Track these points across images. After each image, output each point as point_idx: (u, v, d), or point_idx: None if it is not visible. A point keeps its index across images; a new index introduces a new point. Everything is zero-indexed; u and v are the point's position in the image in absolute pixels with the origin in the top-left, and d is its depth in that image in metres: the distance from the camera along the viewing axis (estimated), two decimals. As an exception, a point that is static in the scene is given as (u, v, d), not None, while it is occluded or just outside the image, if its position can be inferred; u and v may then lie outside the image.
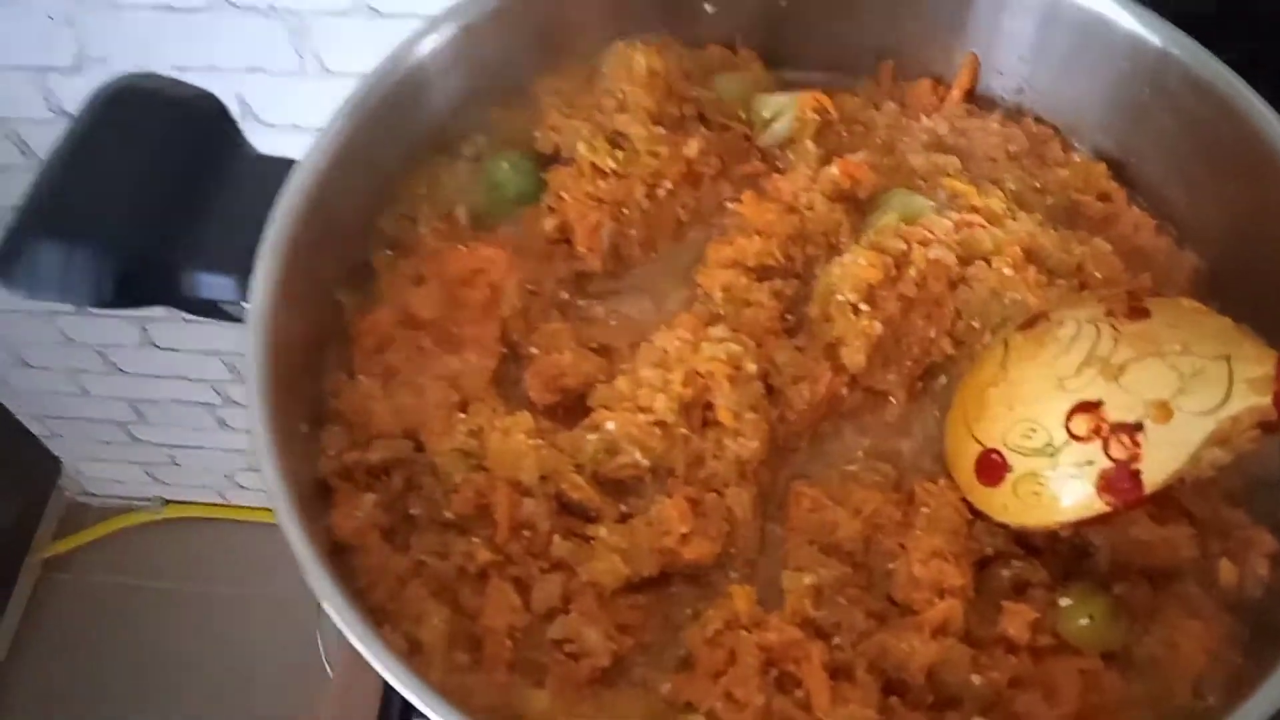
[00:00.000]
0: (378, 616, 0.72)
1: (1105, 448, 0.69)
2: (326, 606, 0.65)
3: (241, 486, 2.57)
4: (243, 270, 0.76)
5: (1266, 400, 0.67)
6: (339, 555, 0.76)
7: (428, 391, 0.80)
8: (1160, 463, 0.68)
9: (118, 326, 2.11)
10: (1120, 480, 0.69)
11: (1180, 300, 0.76)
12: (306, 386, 0.81)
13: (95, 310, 1.32)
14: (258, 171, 0.82)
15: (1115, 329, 0.73)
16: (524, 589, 0.75)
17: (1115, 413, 0.69)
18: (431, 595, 0.74)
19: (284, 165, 0.81)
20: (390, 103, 0.86)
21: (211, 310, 0.80)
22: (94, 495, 2.71)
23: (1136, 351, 0.71)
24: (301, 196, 0.79)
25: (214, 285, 0.78)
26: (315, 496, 0.77)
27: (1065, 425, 0.71)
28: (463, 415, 0.78)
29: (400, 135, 0.89)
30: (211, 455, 2.47)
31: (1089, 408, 0.70)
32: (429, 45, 0.86)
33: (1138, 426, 0.69)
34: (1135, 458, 0.68)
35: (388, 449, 0.78)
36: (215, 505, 2.62)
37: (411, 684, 0.63)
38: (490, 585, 0.74)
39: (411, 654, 0.71)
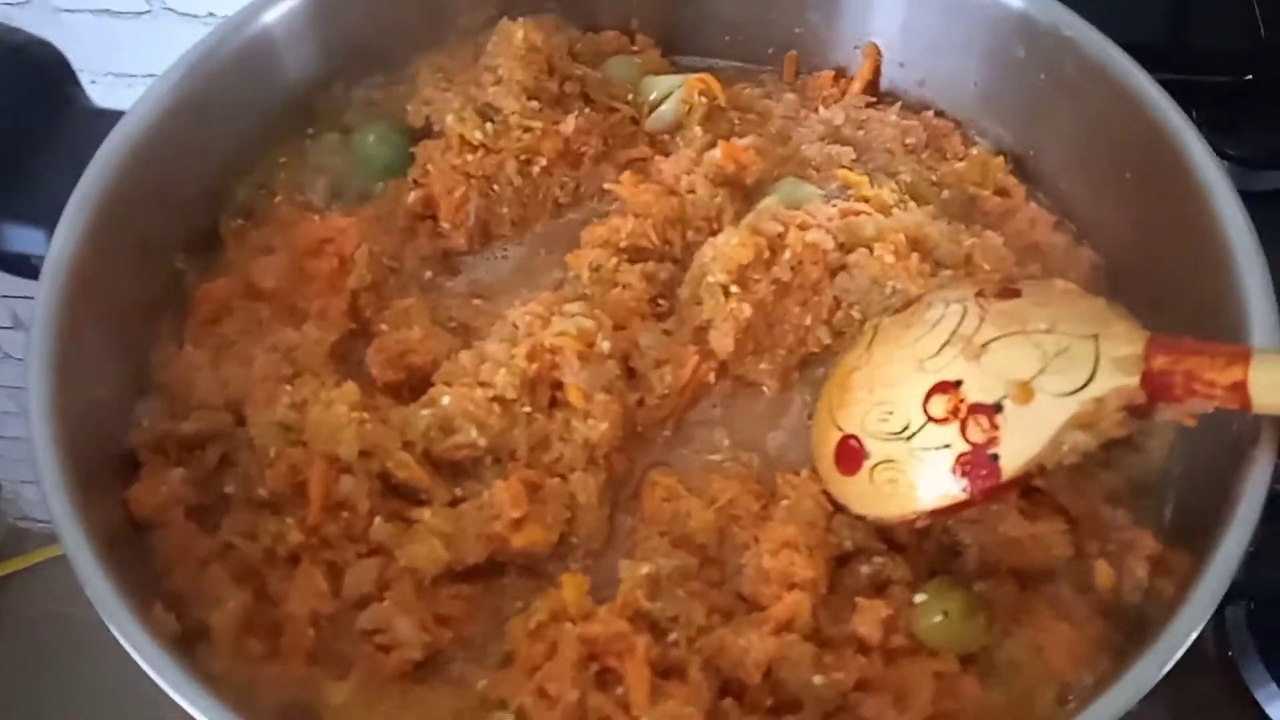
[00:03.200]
0: (172, 601, 0.66)
1: (963, 430, 0.64)
2: (83, 584, 0.59)
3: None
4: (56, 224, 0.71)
5: (1134, 381, 0.61)
6: (140, 533, 0.69)
7: (257, 363, 0.75)
8: (1019, 447, 0.63)
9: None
10: (978, 465, 0.63)
11: (1054, 281, 0.71)
12: (129, 355, 0.75)
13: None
14: (91, 124, 0.77)
15: (982, 309, 0.68)
16: (337, 574, 0.68)
17: (974, 393, 0.64)
18: (234, 579, 0.68)
19: (119, 119, 0.76)
20: (241, 62, 0.82)
21: (24, 267, 0.74)
22: (33, 520, 2.63)
23: (1000, 330, 0.66)
24: (127, 148, 0.74)
25: (23, 237, 0.72)
26: (119, 470, 0.71)
27: (923, 407, 0.66)
28: (289, 388, 0.73)
29: (256, 99, 0.84)
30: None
31: (948, 388, 0.65)
32: (277, 10, 0.82)
33: (997, 408, 0.63)
34: (993, 441, 0.63)
35: (203, 420, 0.72)
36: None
37: (168, 674, 0.57)
38: (299, 569, 0.68)
39: (197, 641, 0.64)
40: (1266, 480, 0.61)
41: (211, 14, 1.44)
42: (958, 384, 0.65)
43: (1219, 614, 0.84)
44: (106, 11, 1.53)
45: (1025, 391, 0.63)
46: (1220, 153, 0.97)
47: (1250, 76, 1.07)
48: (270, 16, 0.83)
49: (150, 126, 0.76)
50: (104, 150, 0.72)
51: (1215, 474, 0.66)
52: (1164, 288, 0.79)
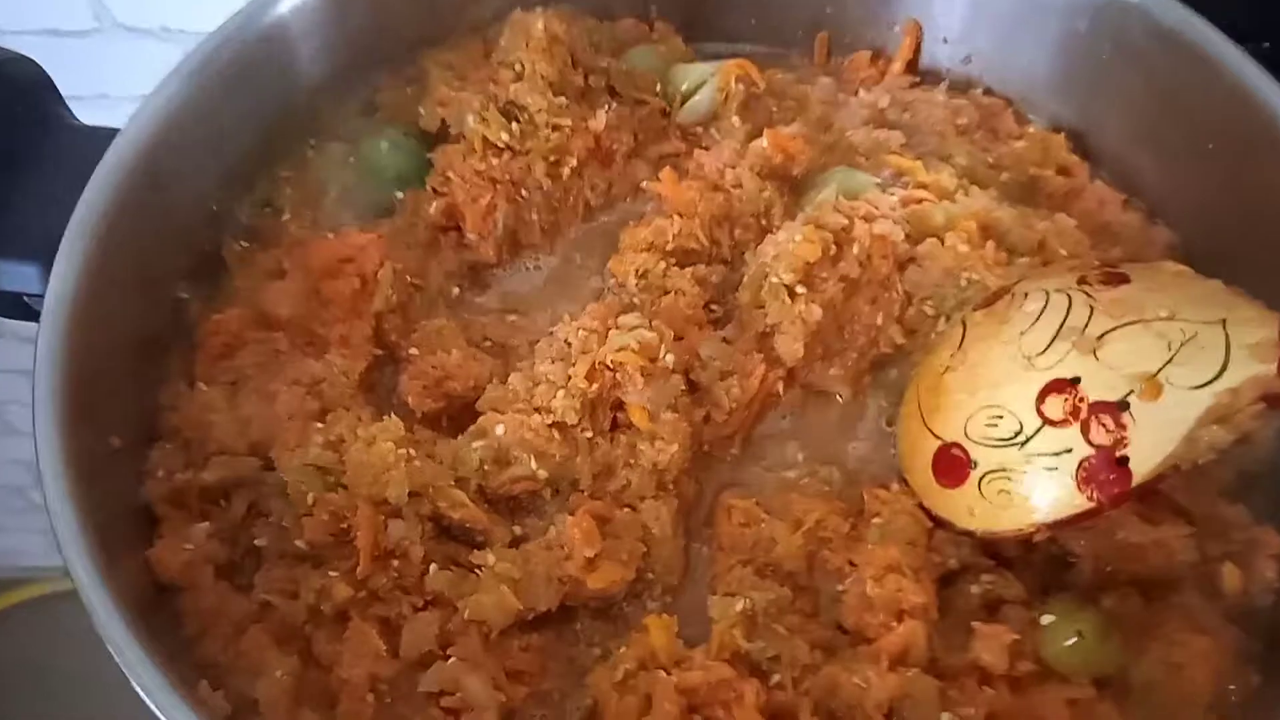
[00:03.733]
0: (208, 672, 0.58)
1: (1085, 432, 0.58)
2: (120, 662, 0.51)
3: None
4: (52, 257, 0.63)
5: (1271, 369, 0.56)
6: (165, 597, 0.62)
7: (280, 400, 0.67)
8: (1151, 447, 0.57)
9: (13, 381, 1.95)
10: (1104, 469, 0.57)
11: (1162, 264, 0.66)
12: (136, 396, 0.68)
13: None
14: (79, 145, 0.69)
15: (1090, 297, 0.62)
16: (392, 631, 0.61)
17: (1095, 391, 0.58)
18: (276, 643, 0.60)
19: (111, 138, 0.68)
20: (237, 71, 0.74)
21: (16, 308, 0.66)
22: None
23: (1116, 320, 0.60)
24: (124, 172, 0.66)
25: (14, 275, 0.64)
26: (136, 526, 0.63)
27: (1037, 409, 0.60)
28: (320, 425, 0.65)
29: (257, 109, 0.77)
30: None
31: (1064, 387, 0.59)
32: (273, 16, 0.74)
33: (1123, 405, 0.57)
34: (1121, 442, 0.57)
35: (227, 467, 0.65)
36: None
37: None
38: (350, 628, 0.60)
39: (244, 715, 0.56)
40: None
41: (165, 28, 1.35)
42: (1075, 381, 0.59)
43: None
44: (53, 31, 1.44)
45: (1153, 386, 0.57)
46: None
47: None
48: (265, 22, 0.75)
49: (146, 146, 0.68)
50: (99, 173, 0.65)
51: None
52: (1252, 268, 0.73)
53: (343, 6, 0.79)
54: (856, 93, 0.89)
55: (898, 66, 0.90)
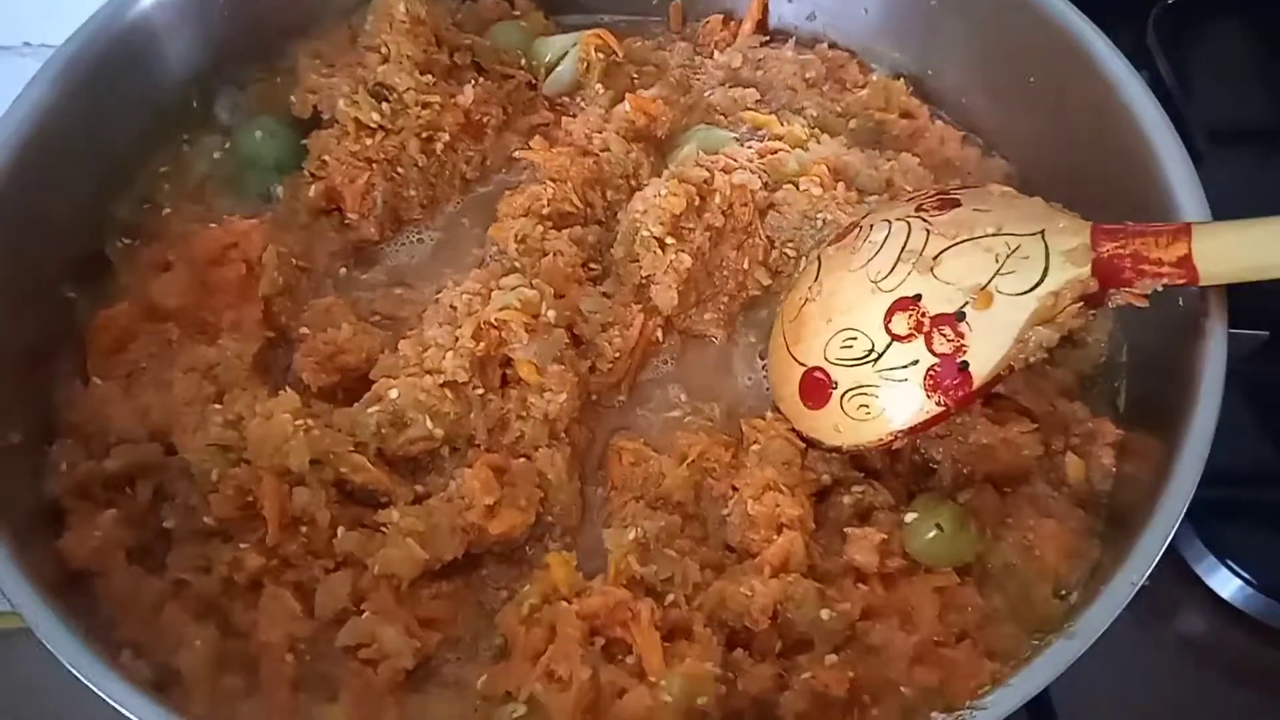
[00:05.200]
0: (130, 651, 0.60)
1: (929, 343, 0.64)
2: (51, 646, 0.53)
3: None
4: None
5: (1086, 271, 0.62)
6: (79, 584, 0.63)
7: (177, 386, 0.69)
8: (987, 350, 0.63)
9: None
10: (948, 375, 0.63)
11: (990, 185, 0.72)
12: (28, 398, 0.69)
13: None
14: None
15: (926, 222, 0.68)
16: (306, 594, 0.64)
17: (935, 305, 0.64)
18: (194, 617, 0.62)
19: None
20: (105, 69, 0.75)
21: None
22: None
23: (949, 240, 0.66)
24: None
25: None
26: (43, 522, 0.64)
27: (885, 327, 0.65)
28: (218, 406, 0.67)
29: (126, 107, 0.78)
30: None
31: (907, 304, 0.65)
32: (135, 14, 0.76)
33: (960, 316, 0.63)
34: (961, 349, 0.63)
35: (129, 455, 0.66)
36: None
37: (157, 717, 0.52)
38: (264, 594, 0.63)
39: (169, 686, 0.58)
40: (1224, 352, 0.62)
41: (27, 43, 1.32)
42: (916, 299, 0.65)
43: None
44: (-90, 52, 1.39)
45: (985, 296, 0.63)
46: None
47: None
48: (128, 20, 0.77)
49: (15, 151, 0.69)
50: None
51: (1163, 354, 0.68)
52: (1078, 186, 0.80)
53: (204, 3, 0.80)
54: (712, 55, 0.94)
55: (748, 27, 0.95)
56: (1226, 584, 0.84)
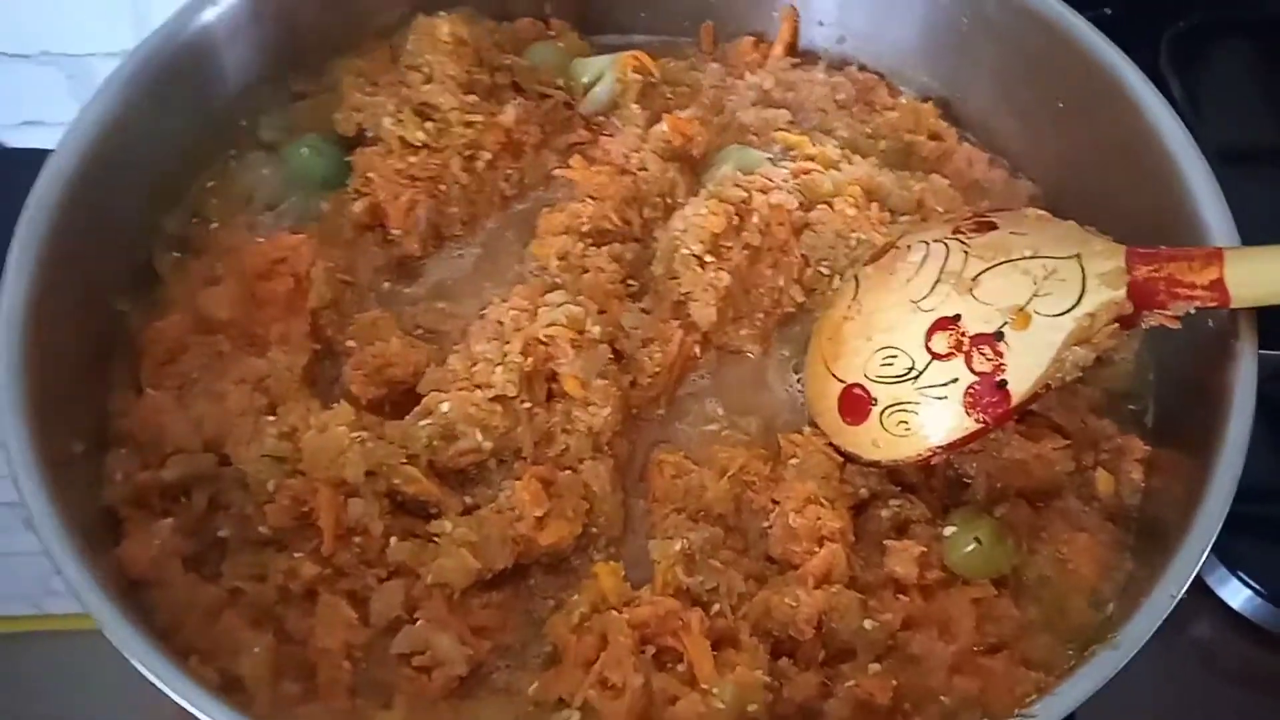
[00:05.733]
0: (196, 657, 0.62)
1: (968, 362, 0.66)
2: (127, 653, 0.54)
3: (57, 593, 2.32)
4: (-5, 277, 0.65)
5: (1121, 293, 0.64)
6: (136, 593, 0.65)
7: (230, 398, 0.71)
8: (1025, 369, 0.65)
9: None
10: (986, 393, 0.65)
11: (1025, 210, 0.74)
12: (85, 408, 0.70)
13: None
14: (10, 169, 0.71)
15: (964, 244, 0.70)
16: (360, 602, 0.65)
17: (974, 325, 0.66)
18: (250, 625, 0.64)
19: (39, 158, 0.71)
20: (168, 80, 0.77)
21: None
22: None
23: (987, 262, 0.68)
24: (60, 187, 0.69)
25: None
26: (100, 530, 0.66)
27: (925, 345, 0.67)
28: (271, 418, 0.69)
29: (179, 122, 0.80)
30: (19, 560, 2.22)
31: (947, 324, 0.67)
32: (187, 35, 0.78)
33: (998, 335, 0.65)
34: (1000, 368, 0.65)
35: (185, 465, 0.68)
36: (29, 617, 2.36)
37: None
38: (319, 603, 0.64)
39: (229, 691, 0.60)
40: (1254, 372, 0.64)
41: (45, 52, 1.34)
42: (956, 318, 0.66)
43: None
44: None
45: (1023, 317, 0.65)
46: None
47: (1109, 9, 1.13)
48: (183, 40, 0.78)
49: (79, 163, 0.71)
50: (39, 191, 0.67)
51: (1193, 374, 0.70)
52: (1105, 209, 0.82)
53: (251, 25, 0.82)
54: (743, 76, 0.96)
55: (779, 50, 0.97)
56: (1237, 594, 0.86)
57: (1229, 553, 0.85)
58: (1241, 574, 0.85)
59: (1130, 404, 0.77)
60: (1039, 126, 0.88)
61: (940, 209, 0.83)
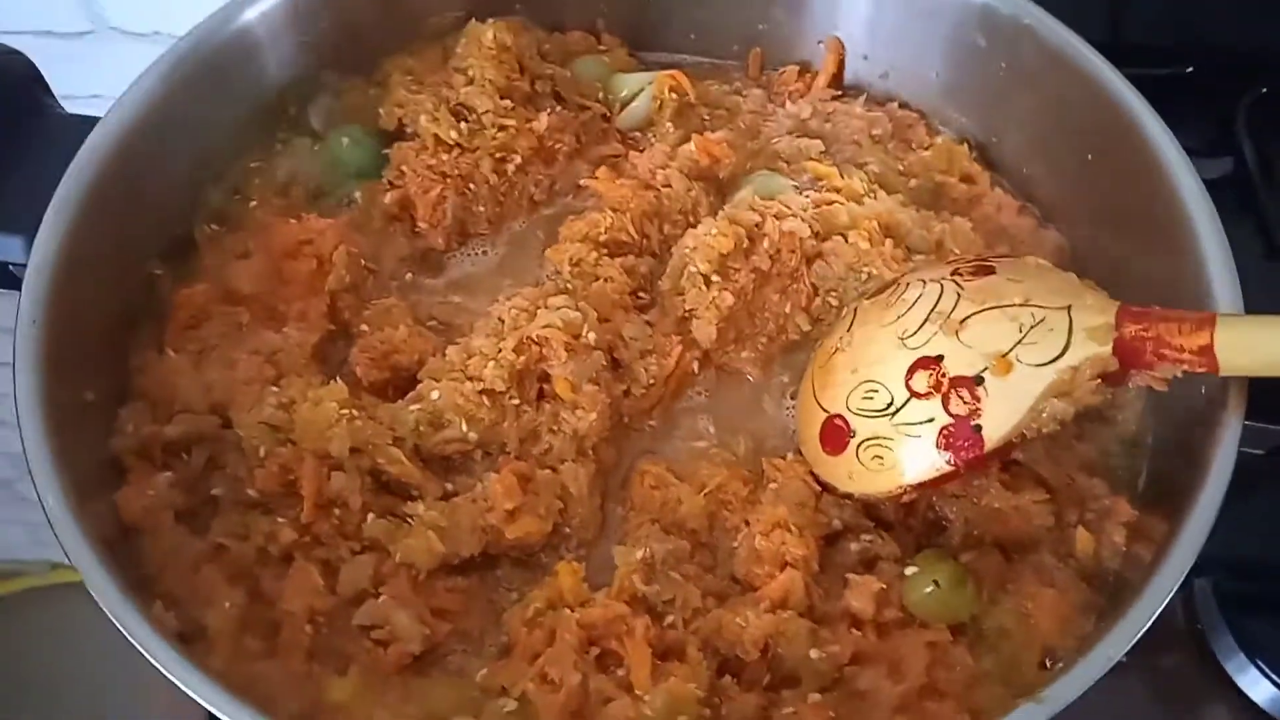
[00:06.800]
0: (165, 603, 0.65)
1: (945, 403, 0.66)
2: (88, 585, 0.58)
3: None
4: (35, 231, 0.70)
5: (1107, 349, 0.64)
6: (130, 539, 0.69)
7: (240, 366, 0.74)
8: (1001, 416, 0.64)
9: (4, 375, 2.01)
10: (961, 436, 0.65)
11: (1026, 258, 0.74)
12: (108, 360, 0.75)
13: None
14: (66, 132, 0.76)
15: (959, 286, 0.70)
16: (331, 572, 0.68)
17: (955, 367, 0.66)
18: (228, 580, 0.67)
19: (93, 126, 0.76)
20: (212, 70, 0.81)
21: (3, 278, 0.73)
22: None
23: (978, 305, 0.67)
24: (102, 154, 0.74)
25: (2, 246, 0.71)
26: (107, 476, 0.70)
27: (906, 383, 0.67)
28: (275, 389, 0.72)
29: (227, 106, 0.84)
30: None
31: (929, 363, 0.67)
32: (248, 17, 0.82)
33: (978, 380, 0.65)
34: (975, 412, 0.65)
35: (189, 424, 0.72)
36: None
37: (178, 667, 0.56)
38: (293, 567, 0.68)
39: (194, 640, 0.63)
40: (1235, 442, 0.63)
41: (157, 32, 1.42)
42: (939, 359, 0.66)
43: (1187, 586, 0.88)
44: (49, 33, 1.50)
45: (1004, 363, 0.65)
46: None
47: (1190, 69, 1.11)
48: (241, 24, 0.83)
49: (124, 133, 0.75)
50: (80, 156, 0.72)
51: (1185, 440, 0.68)
52: (1126, 265, 0.81)
53: (308, 15, 0.86)
54: (784, 104, 0.97)
55: (822, 81, 0.97)
56: (1255, 685, 0.83)
57: (1248, 637, 0.83)
58: (1261, 664, 0.82)
59: (1125, 465, 0.75)
60: (1069, 177, 0.87)
61: (958, 251, 0.83)
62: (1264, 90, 1.13)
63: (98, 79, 1.40)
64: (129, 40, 1.44)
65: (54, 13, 1.47)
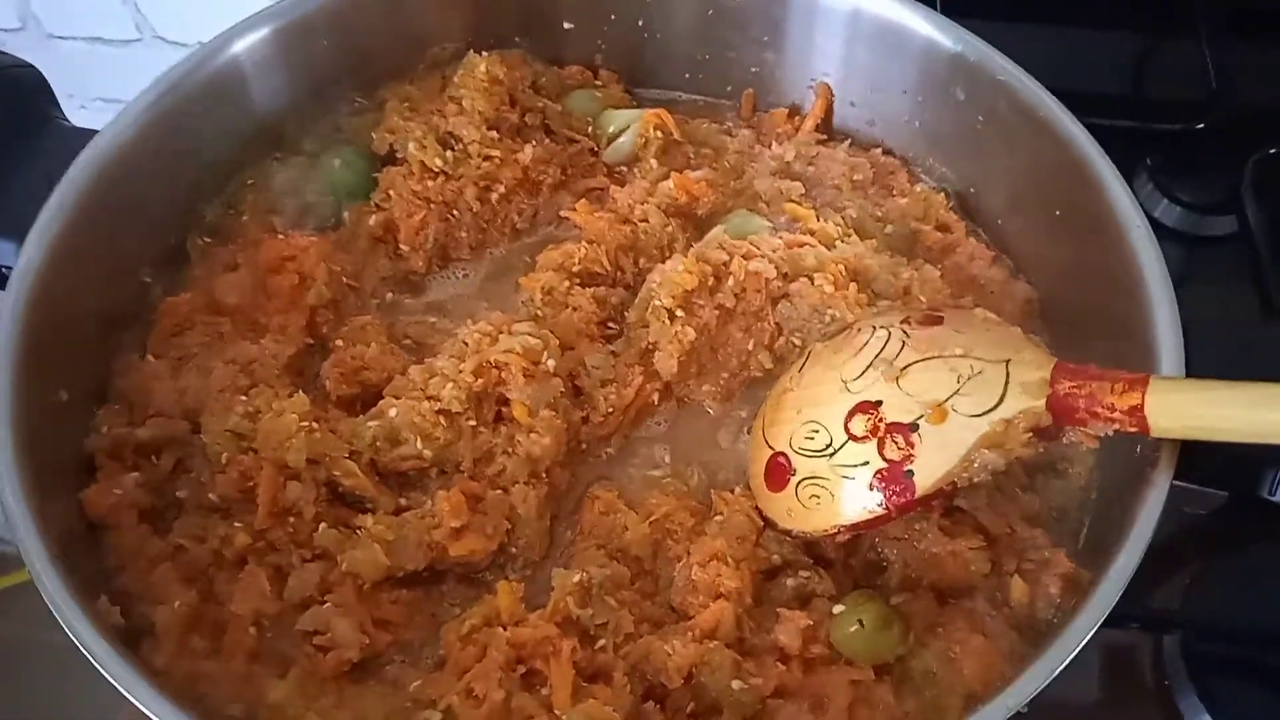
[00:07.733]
0: (121, 598, 0.68)
1: (880, 448, 0.67)
2: (34, 573, 0.61)
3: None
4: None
5: (1040, 404, 0.65)
6: (97, 535, 0.72)
7: (215, 374, 0.78)
8: (933, 464, 0.65)
9: None
10: (893, 481, 0.66)
11: (974, 309, 0.75)
12: (89, 362, 0.78)
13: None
14: (68, 143, 0.80)
15: (905, 334, 0.71)
16: (282, 577, 0.71)
17: (893, 413, 0.67)
18: (183, 580, 0.70)
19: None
20: (213, 87, 0.85)
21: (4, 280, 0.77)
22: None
23: (920, 354, 0.69)
24: (99, 165, 0.78)
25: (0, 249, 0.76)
26: (79, 474, 0.74)
27: (845, 425, 0.69)
28: (244, 398, 0.76)
29: (227, 124, 0.88)
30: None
31: (868, 408, 0.68)
32: (249, 39, 0.86)
33: (914, 427, 0.66)
34: (909, 458, 0.66)
35: (160, 427, 0.75)
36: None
37: (109, 663, 0.59)
38: (245, 571, 0.70)
39: (142, 636, 0.66)
40: (1161, 502, 0.63)
41: (200, 42, 1.47)
42: (878, 404, 0.68)
43: (1157, 645, 0.88)
44: (98, 39, 1.57)
45: (940, 412, 0.66)
46: (1173, 198, 1.04)
47: (1202, 124, 1.11)
48: (241, 45, 0.87)
49: (122, 145, 0.79)
50: (76, 166, 0.76)
51: (1123, 496, 0.69)
52: (1089, 320, 0.82)
53: (309, 40, 0.90)
54: (770, 145, 0.99)
55: (809, 124, 0.99)
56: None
57: (1211, 696, 0.83)
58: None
59: (1071, 519, 0.76)
60: (1040, 232, 0.88)
61: (924, 299, 0.84)
62: (1272, 150, 1.12)
63: (141, 85, 1.46)
64: (173, 49, 1.51)
65: (104, 21, 1.54)
